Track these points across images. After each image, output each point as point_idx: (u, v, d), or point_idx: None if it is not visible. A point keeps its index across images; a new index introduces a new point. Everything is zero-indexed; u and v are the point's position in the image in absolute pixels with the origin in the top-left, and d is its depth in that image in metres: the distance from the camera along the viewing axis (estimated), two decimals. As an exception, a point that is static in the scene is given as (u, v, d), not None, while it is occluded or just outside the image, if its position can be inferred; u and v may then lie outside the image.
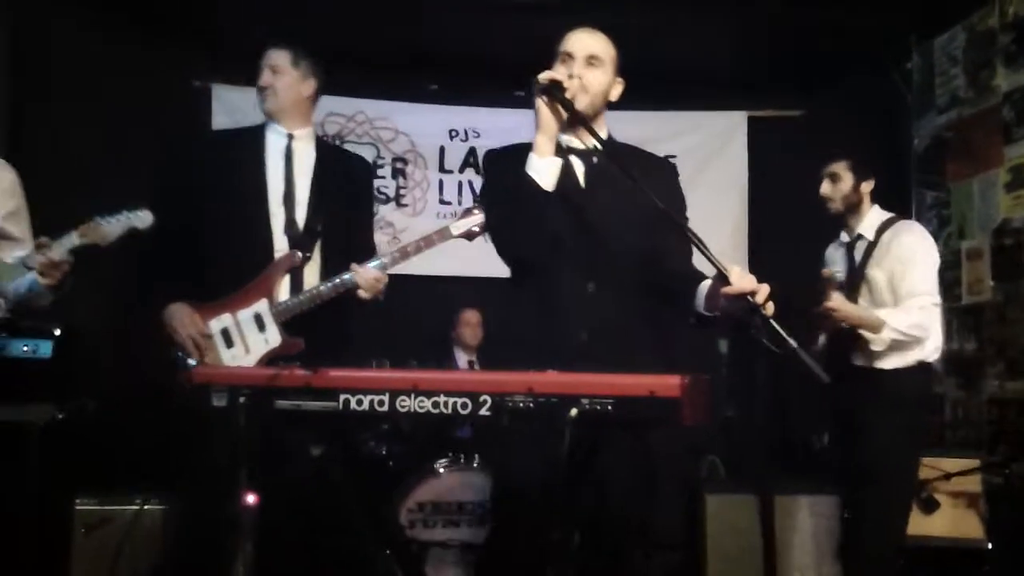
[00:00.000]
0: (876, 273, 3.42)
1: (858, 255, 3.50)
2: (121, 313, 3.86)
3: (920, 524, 3.71)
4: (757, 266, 5.60)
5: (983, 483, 3.88)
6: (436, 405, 1.93)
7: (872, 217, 3.52)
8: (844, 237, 3.60)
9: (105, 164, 4.45)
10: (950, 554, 3.75)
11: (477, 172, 5.71)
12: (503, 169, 2.48)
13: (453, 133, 5.77)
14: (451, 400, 1.92)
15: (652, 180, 2.31)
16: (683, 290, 2.36)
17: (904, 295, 3.37)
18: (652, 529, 2.52)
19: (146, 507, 3.55)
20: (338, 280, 2.98)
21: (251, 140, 3.13)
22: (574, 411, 1.82)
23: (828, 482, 3.96)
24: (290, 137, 3.12)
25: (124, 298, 3.83)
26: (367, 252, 3.12)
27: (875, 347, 3.30)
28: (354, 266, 2.97)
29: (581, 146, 2.45)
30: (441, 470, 4.12)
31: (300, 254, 3.01)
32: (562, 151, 2.41)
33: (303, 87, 3.12)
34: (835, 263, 3.60)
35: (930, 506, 3.80)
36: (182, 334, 2.94)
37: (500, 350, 2.49)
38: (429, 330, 5.36)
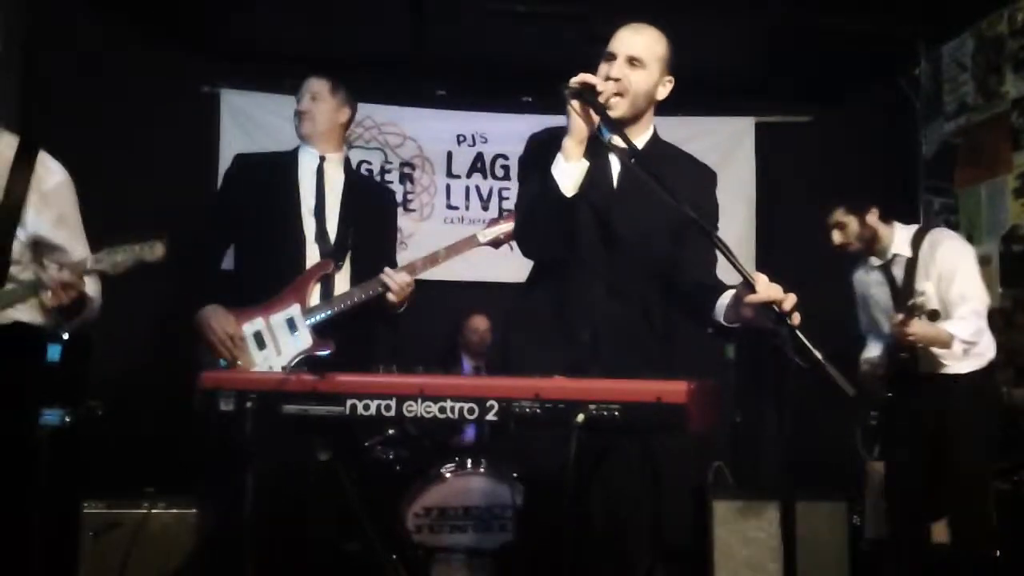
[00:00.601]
0: (926, 285, 3.44)
1: (898, 272, 3.54)
2: (129, 316, 3.87)
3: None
4: (764, 273, 5.63)
5: (993, 490, 3.87)
6: (443, 410, 1.93)
7: (901, 235, 3.56)
8: (874, 261, 3.62)
9: (114, 167, 4.46)
10: (959, 561, 3.73)
11: (484, 177, 5.71)
12: (535, 161, 2.45)
13: (461, 138, 5.78)
14: (458, 405, 1.92)
15: (688, 186, 2.30)
16: (703, 300, 2.33)
17: (955, 302, 3.42)
18: (659, 535, 2.51)
19: (154, 511, 3.55)
20: (369, 285, 3.09)
21: (285, 162, 3.30)
22: (581, 417, 1.82)
23: (837, 488, 3.96)
24: (322, 159, 3.29)
25: (132, 303, 3.84)
26: (392, 267, 3.21)
27: (947, 360, 3.41)
28: (387, 270, 3.09)
29: (623, 145, 2.37)
30: (447, 475, 4.12)
31: (333, 263, 3.16)
32: (603, 147, 2.37)
33: (339, 115, 3.33)
34: (871, 286, 3.65)
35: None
36: (216, 335, 3.04)
37: (511, 352, 2.44)
38: (436, 335, 5.36)
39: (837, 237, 3.57)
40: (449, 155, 5.77)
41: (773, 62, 5.23)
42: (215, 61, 5.16)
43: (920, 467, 3.44)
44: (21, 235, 2.57)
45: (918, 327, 3.27)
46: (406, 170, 5.73)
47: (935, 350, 3.36)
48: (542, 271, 2.50)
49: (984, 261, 4.49)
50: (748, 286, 2.03)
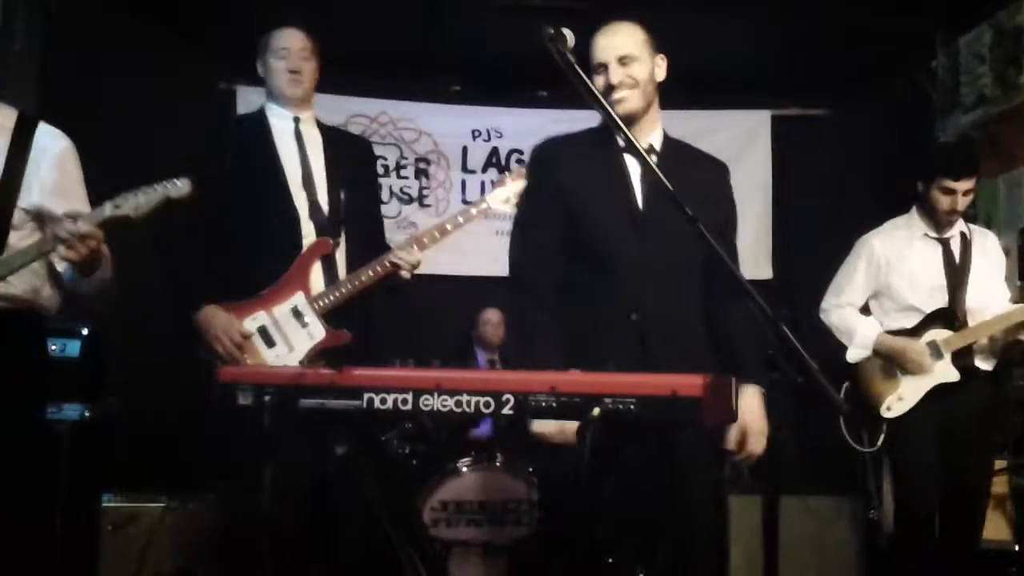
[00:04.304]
0: (980, 264, 3.46)
1: (956, 249, 3.47)
2: (147, 312, 3.89)
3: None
4: (780, 267, 5.61)
5: (1010, 485, 3.85)
6: (459, 404, 1.93)
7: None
8: (931, 232, 3.50)
9: (132, 164, 4.48)
10: (978, 556, 3.72)
11: (500, 172, 5.72)
12: (540, 178, 2.49)
13: (476, 133, 5.79)
14: (474, 399, 1.91)
15: (705, 184, 2.32)
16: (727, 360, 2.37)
17: (993, 295, 3.46)
18: (674, 529, 2.51)
19: (172, 505, 3.58)
20: (378, 264, 2.89)
21: (254, 126, 3.01)
22: (597, 410, 1.82)
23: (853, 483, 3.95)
24: (296, 120, 3.01)
25: (149, 296, 3.86)
26: (381, 234, 3.08)
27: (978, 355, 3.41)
28: (396, 250, 2.90)
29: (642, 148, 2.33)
30: (464, 469, 4.13)
31: (331, 240, 2.91)
32: (620, 152, 2.40)
33: (317, 71, 3.05)
34: (909, 256, 3.49)
35: None
36: (222, 340, 2.78)
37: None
38: (451, 329, 5.37)
39: (962, 204, 3.42)
40: (464, 150, 5.78)
41: (790, 55, 5.21)
42: (231, 58, 5.18)
43: (933, 463, 3.40)
44: (23, 203, 2.47)
45: None
46: (421, 165, 5.74)
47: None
48: (582, 281, 2.46)
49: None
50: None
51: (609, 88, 2.36)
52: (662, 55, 2.47)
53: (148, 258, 3.14)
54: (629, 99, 2.38)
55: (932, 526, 3.34)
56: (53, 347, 3.27)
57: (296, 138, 2.99)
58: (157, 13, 4.72)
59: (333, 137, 3.11)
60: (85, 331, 3.31)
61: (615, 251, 2.37)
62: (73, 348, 3.32)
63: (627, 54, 2.40)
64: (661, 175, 2.00)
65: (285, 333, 2.86)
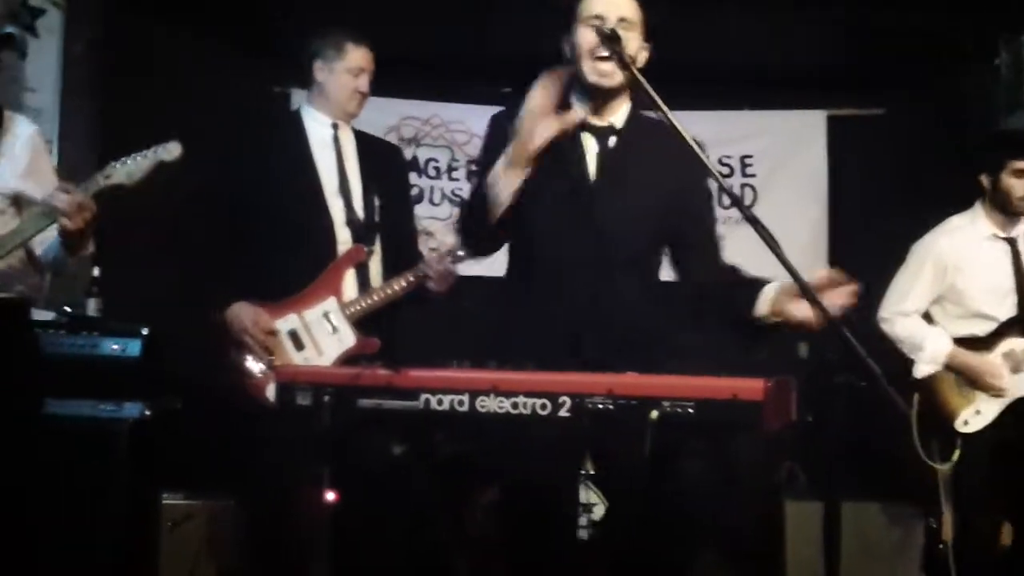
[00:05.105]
0: None
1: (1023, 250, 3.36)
2: (204, 311, 3.96)
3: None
4: (838, 273, 5.51)
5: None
6: (515, 406, 1.93)
7: None
8: (998, 231, 3.38)
9: (186, 166, 4.56)
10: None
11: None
12: (496, 147, 2.24)
13: (526, 135, 5.78)
14: (530, 401, 1.92)
15: (673, 162, 2.15)
16: (727, 297, 2.19)
17: None
18: (728, 533, 2.48)
19: (230, 503, 3.63)
20: (411, 275, 2.91)
21: (290, 128, 3.04)
22: (655, 413, 1.81)
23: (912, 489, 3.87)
24: (335, 126, 3.04)
25: (204, 297, 3.93)
26: (414, 243, 3.10)
27: None
28: (428, 259, 2.92)
29: (599, 123, 2.23)
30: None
31: (366, 248, 2.94)
32: (575, 128, 2.20)
33: None
34: (977, 260, 3.36)
35: None
36: (250, 333, 2.84)
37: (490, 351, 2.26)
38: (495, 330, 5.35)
39: None
40: (515, 152, 5.78)
41: (846, 54, 5.12)
42: (285, 62, 5.24)
43: (1001, 475, 3.31)
44: (1, 188, 2.53)
45: None
46: (473, 167, 5.75)
47: None
48: (517, 267, 2.35)
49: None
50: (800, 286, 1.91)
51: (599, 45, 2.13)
52: (647, 45, 2.28)
53: (204, 257, 3.20)
54: (613, 75, 2.18)
55: (997, 536, 3.26)
56: (114, 347, 3.34)
57: (333, 145, 3.02)
58: (211, 17, 4.79)
59: (368, 144, 3.13)
60: (145, 331, 3.37)
61: (559, 239, 2.21)
62: (133, 348, 3.37)
63: (627, 17, 2.20)
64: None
65: (315, 337, 2.89)
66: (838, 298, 1.93)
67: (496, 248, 2.31)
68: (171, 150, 2.54)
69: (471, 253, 2.46)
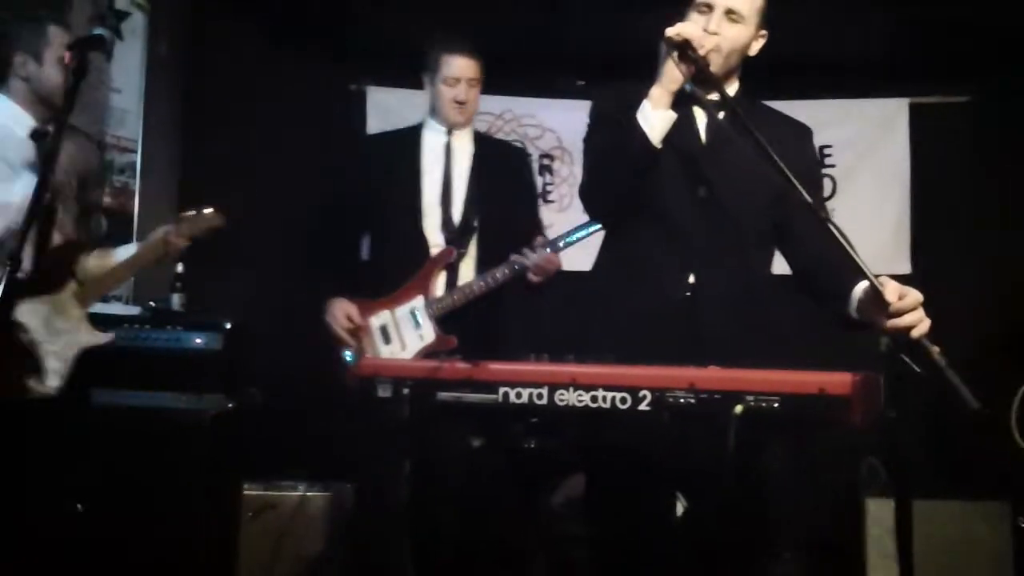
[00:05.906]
0: None
1: None
2: (285, 306, 4.02)
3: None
4: (921, 264, 5.36)
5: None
6: (595, 400, 1.92)
7: None
8: None
9: (265, 165, 4.64)
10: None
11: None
12: (609, 111, 2.31)
13: (599, 128, 5.75)
14: (610, 395, 1.90)
15: (781, 144, 2.08)
16: (827, 284, 2.12)
17: None
18: (808, 528, 2.44)
19: (309, 493, 3.68)
20: (500, 271, 3.02)
21: (407, 141, 3.20)
22: (739, 408, 1.78)
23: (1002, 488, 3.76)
24: (449, 133, 3.18)
25: (288, 292, 3.99)
26: (530, 238, 3.12)
27: None
28: (525, 250, 3.01)
29: (708, 96, 2.21)
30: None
31: (456, 250, 3.09)
32: (684, 98, 2.20)
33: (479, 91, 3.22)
34: None
35: None
36: (339, 325, 3.07)
37: (573, 335, 2.38)
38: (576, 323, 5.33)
39: None
40: (588, 145, 5.75)
41: (928, 40, 4.97)
42: (361, 59, 5.30)
43: None
44: None
45: None
46: (545, 162, 5.73)
47: None
48: (615, 243, 2.36)
49: None
50: (877, 292, 1.84)
51: (704, 31, 2.14)
52: (765, 31, 2.27)
53: (288, 254, 3.29)
54: (711, 62, 2.15)
55: None
56: (197, 340, 3.42)
57: (445, 152, 3.17)
58: (289, 17, 4.86)
59: (487, 149, 3.28)
60: (228, 325, 3.44)
61: (671, 204, 2.24)
62: (215, 341, 3.45)
63: (736, 10, 2.20)
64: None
65: (401, 332, 3.10)
66: (915, 329, 1.84)
67: (631, 202, 2.26)
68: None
69: (597, 215, 2.48)
